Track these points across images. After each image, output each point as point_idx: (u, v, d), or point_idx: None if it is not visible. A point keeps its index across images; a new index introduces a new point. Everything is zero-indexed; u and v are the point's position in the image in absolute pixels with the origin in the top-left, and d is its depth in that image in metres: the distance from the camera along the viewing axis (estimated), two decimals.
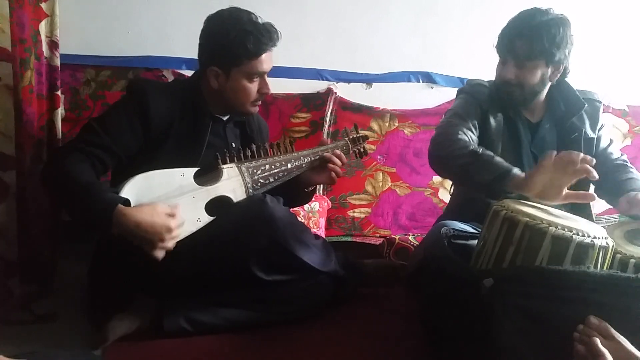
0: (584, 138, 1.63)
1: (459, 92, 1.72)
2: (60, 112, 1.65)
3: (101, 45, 1.95)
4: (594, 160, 1.26)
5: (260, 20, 1.45)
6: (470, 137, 1.52)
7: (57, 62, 1.63)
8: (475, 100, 1.62)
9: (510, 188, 1.31)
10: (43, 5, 1.56)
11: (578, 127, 1.63)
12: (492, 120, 1.59)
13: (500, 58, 1.58)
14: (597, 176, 1.26)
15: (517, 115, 1.62)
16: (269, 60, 1.47)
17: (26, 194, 1.52)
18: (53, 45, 1.61)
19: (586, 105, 1.63)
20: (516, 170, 1.33)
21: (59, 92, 1.64)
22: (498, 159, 1.39)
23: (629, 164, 1.66)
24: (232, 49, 1.42)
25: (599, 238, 1.14)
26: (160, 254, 1.24)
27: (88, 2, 1.93)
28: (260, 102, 1.53)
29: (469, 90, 1.66)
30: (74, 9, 1.85)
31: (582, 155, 1.25)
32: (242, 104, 1.49)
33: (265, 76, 1.49)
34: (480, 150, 1.42)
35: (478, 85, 1.67)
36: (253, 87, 1.48)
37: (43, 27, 1.57)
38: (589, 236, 1.13)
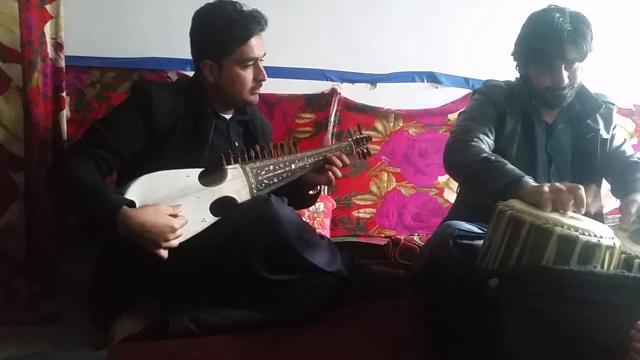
0: (599, 139, 1.63)
1: (474, 93, 1.72)
2: (65, 113, 1.66)
3: (106, 47, 1.96)
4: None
5: (245, 8, 1.46)
6: (486, 142, 1.52)
7: (62, 63, 1.64)
8: (491, 101, 1.61)
9: (520, 195, 1.29)
10: (48, 6, 1.56)
11: (593, 128, 1.64)
12: (508, 122, 1.59)
13: (537, 66, 1.55)
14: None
15: (537, 116, 1.61)
16: (259, 45, 1.48)
17: (33, 194, 1.53)
18: (58, 46, 1.62)
19: (603, 105, 1.64)
20: (527, 178, 1.32)
21: (64, 94, 1.65)
22: (509, 166, 1.37)
23: None
24: (219, 38, 1.44)
25: (605, 238, 1.13)
26: (164, 253, 1.25)
27: (93, 4, 1.94)
28: (259, 91, 1.53)
29: (486, 91, 1.65)
30: (78, 11, 1.86)
31: (589, 200, 1.23)
32: (240, 93, 1.50)
33: (260, 63, 1.50)
34: (493, 157, 1.41)
35: (495, 87, 1.66)
36: (248, 74, 1.48)
37: (48, 28, 1.57)
38: (595, 236, 1.12)
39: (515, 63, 1.66)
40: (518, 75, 1.67)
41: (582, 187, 1.22)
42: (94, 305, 1.47)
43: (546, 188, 1.23)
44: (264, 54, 1.51)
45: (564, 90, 1.55)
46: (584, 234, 1.12)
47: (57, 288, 1.65)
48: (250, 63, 1.48)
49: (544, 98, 1.59)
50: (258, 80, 1.51)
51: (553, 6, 1.55)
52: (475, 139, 1.49)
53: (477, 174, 1.41)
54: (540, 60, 1.53)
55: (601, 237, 1.13)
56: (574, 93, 1.59)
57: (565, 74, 1.52)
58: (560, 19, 1.49)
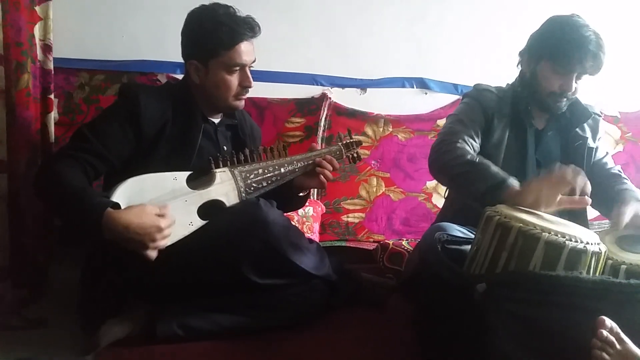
0: (587, 147, 1.65)
1: (464, 96, 1.72)
2: (53, 115, 1.65)
3: (95, 49, 1.95)
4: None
5: (239, 14, 1.46)
6: (471, 144, 1.53)
7: (51, 65, 1.63)
8: (480, 106, 1.61)
9: (505, 198, 1.32)
10: (37, 8, 1.55)
11: (582, 136, 1.66)
12: (496, 126, 1.59)
13: (552, 66, 1.52)
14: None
15: (530, 121, 1.62)
16: (248, 51, 1.47)
17: (19, 198, 1.51)
18: (46, 48, 1.61)
19: (593, 114, 1.66)
20: (511, 181, 1.34)
21: (52, 96, 1.63)
22: (494, 168, 1.39)
23: (623, 175, 1.67)
24: (207, 40, 1.43)
25: (591, 244, 1.15)
26: (152, 253, 1.24)
27: (83, 6, 1.92)
28: (244, 96, 1.52)
29: (475, 95, 1.65)
30: (68, 13, 1.85)
31: (578, 171, 1.27)
32: (224, 98, 1.49)
33: (247, 69, 1.49)
34: (477, 159, 1.42)
35: (485, 91, 1.66)
36: (233, 79, 1.47)
37: (37, 30, 1.56)
38: (581, 242, 1.14)
39: (519, 61, 1.65)
40: (520, 72, 1.66)
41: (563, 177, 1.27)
42: (81, 310, 1.45)
43: (529, 189, 1.28)
44: (254, 61, 1.50)
45: (564, 99, 1.55)
46: (570, 240, 1.13)
47: (44, 292, 1.64)
48: (237, 68, 1.47)
49: (543, 102, 1.58)
50: (244, 87, 1.50)
51: (577, 16, 1.54)
52: (460, 141, 1.50)
53: (461, 176, 1.42)
54: (559, 60, 1.51)
55: (587, 243, 1.14)
56: (568, 105, 1.60)
57: (574, 83, 1.52)
58: (586, 28, 1.49)
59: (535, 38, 1.60)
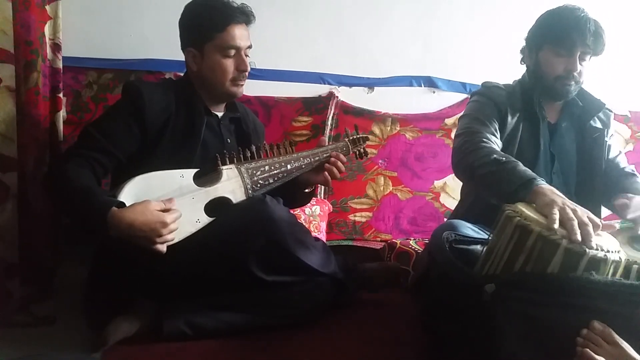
0: (605, 141, 1.63)
1: (472, 95, 1.70)
2: (62, 114, 1.65)
3: (103, 48, 1.95)
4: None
5: (232, 1, 1.49)
6: (495, 141, 1.49)
7: (60, 64, 1.63)
8: (492, 101, 1.59)
9: (530, 199, 1.25)
10: (47, 7, 1.56)
11: (599, 128, 1.64)
12: (510, 121, 1.57)
13: (554, 48, 1.53)
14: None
15: (542, 114, 1.60)
16: (242, 36, 1.48)
17: (28, 196, 1.52)
18: (56, 47, 1.61)
19: (605, 105, 1.65)
20: (539, 181, 1.27)
21: (60, 95, 1.64)
22: (521, 167, 1.33)
23: (637, 174, 1.64)
24: (199, 24, 1.47)
25: (612, 252, 1.11)
26: (161, 248, 1.24)
27: (91, 5, 1.93)
28: (242, 82, 1.53)
29: (485, 93, 1.63)
30: (76, 12, 1.86)
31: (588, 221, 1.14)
32: (221, 82, 1.50)
33: (243, 54, 1.50)
34: (504, 158, 1.37)
35: (494, 87, 1.64)
36: (228, 63, 1.48)
37: (46, 29, 1.57)
38: (602, 250, 1.09)
39: (521, 58, 1.67)
40: (525, 66, 1.66)
41: (592, 222, 1.14)
42: (89, 308, 1.46)
43: (556, 210, 1.15)
44: (249, 47, 1.51)
45: (571, 81, 1.54)
46: (591, 248, 1.09)
47: (52, 290, 1.64)
48: (232, 52, 1.48)
49: (551, 90, 1.57)
50: (240, 71, 1.50)
51: (570, 4, 1.55)
52: (484, 140, 1.46)
53: (488, 176, 1.37)
54: (560, 42, 1.52)
55: (608, 251, 1.10)
56: (577, 90, 1.59)
57: (578, 63, 1.52)
58: (580, 11, 1.51)
59: (532, 30, 1.62)
